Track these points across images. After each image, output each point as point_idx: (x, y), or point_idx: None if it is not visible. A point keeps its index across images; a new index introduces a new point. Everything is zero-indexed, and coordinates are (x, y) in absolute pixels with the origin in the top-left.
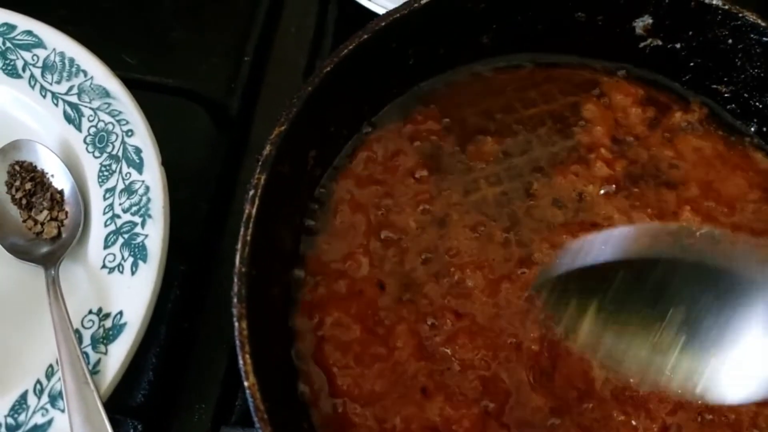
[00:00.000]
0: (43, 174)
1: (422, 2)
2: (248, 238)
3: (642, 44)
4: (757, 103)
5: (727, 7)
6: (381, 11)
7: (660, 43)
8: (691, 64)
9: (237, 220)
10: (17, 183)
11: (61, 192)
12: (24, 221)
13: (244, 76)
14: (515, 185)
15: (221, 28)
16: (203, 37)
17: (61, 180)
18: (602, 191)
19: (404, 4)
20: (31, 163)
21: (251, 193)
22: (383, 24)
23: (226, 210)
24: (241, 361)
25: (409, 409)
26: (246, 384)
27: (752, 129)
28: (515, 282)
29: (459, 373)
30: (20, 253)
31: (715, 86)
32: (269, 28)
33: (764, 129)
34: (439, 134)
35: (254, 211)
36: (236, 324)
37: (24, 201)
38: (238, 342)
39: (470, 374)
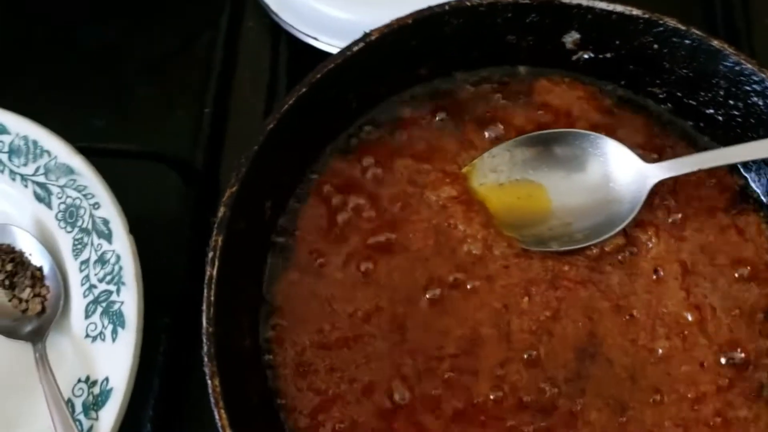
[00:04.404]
0: (21, 254)
1: (354, 49)
2: (212, 298)
3: (574, 57)
4: (690, 101)
5: (647, 15)
6: (328, 48)
7: (591, 54)
8: (625, 70)
9: None
10: None
11: (40, 269)
12: (9, 300)
13: (206, 128)
14: None
15: (183, 82)
16: (167, 92)
17: (38, 258)
18: None
19: (338, 53)
20: (9, 245)
21: (210, 255)
22: (318, 76)
23: (202, 259)
24: (216, 416)
25: None
26: None
27: (689, 124)
28: None
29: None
30: (9, 333)
31: (650, 89)
32: (226, 76)
33: (700, 124)
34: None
35: (215, 272)
36: (209, 382)
37: (7, 282)
38: (212, 399)
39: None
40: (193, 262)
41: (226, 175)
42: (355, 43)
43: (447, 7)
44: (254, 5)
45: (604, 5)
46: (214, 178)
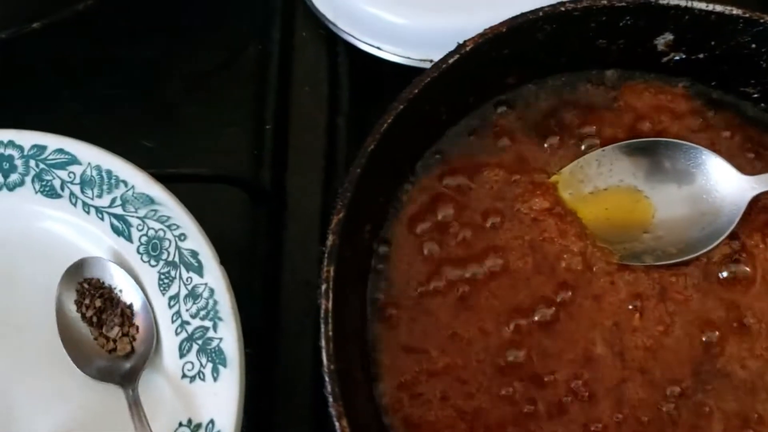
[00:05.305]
0: (111, 290)
1: (450, 61)
2: (330, 333)
3: (665, 59)
4: None
5: (747, 15)
6: (392, 58)
7: (683, 56)
8: (717, 70)
9: (289, 292)
10: (86, 301)
11: (130, 306)
12: (95, 339)
13: (269, 146)
14: None
15: (231, 98)
16: (215, 109)
17: (130, 294)
18: None
19: (433, 66)
20: (98, 280)
21: (324, 287)
22: (416, 91)
23: (278, 283)
24: None
25: None
26: None
27: None
28: None
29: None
30: (103, 376)
31: (743, 89)
32: (283, 91)
33: None
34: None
35: (330, 305)
36: (337, 423)
37: (95, 319)
38: None
39: None
40: (268, 289)
41: (295, 191)
42: (450, 54)
43: (541, 14)
44: (306, 15)
45: (703, 5)
46: (282, 195)
